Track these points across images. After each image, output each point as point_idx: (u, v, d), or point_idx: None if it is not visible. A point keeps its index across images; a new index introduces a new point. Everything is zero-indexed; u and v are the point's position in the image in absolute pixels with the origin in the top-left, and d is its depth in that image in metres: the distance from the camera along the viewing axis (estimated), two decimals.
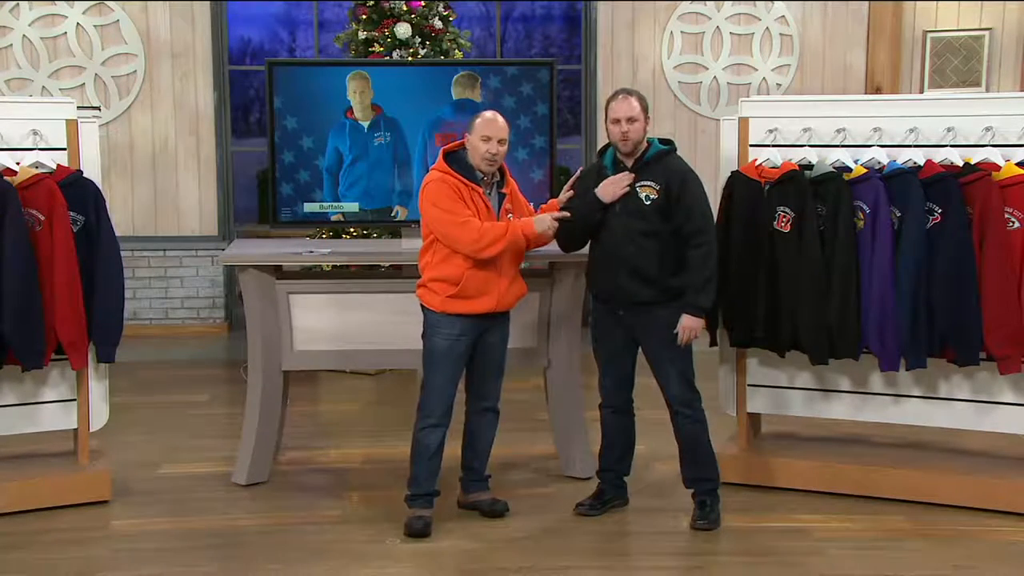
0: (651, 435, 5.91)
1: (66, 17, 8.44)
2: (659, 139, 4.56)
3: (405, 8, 7.51)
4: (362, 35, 7.58)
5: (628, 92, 4.50)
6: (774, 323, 4.85)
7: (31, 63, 8.43)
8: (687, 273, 4.42)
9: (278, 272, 5.12)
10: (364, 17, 7.63)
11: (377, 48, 7.45)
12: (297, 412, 5.53)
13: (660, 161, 4.48)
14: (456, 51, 7.70)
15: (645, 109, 4.47)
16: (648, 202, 4.42)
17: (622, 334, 4.63)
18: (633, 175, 4.46)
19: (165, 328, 8.67)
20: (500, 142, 4.40)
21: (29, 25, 8.40)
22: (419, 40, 7.51)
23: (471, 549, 4.39)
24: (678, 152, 4.60)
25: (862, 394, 4.98)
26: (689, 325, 4.44)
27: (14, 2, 8.36)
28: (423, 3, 7.55)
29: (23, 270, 4.51)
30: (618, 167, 4.52)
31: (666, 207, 4.42)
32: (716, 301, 4.58)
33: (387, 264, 6.19)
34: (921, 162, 4.69)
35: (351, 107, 5.41)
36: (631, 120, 4.42)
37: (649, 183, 4.43)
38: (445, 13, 7.72)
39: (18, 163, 4.62)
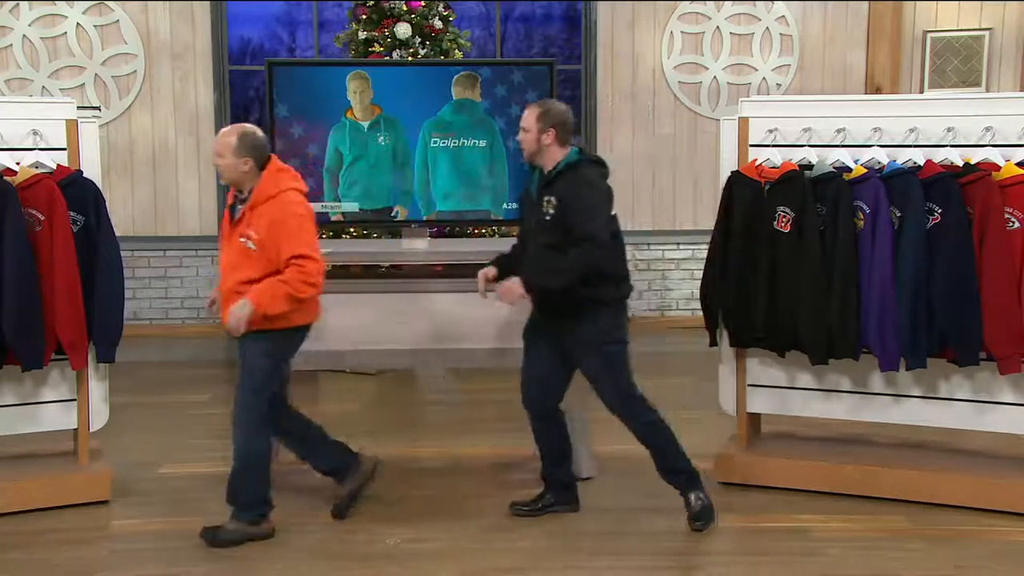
0: None
1: (66, 17, 8.45)
2: (579, 151, 4.48)
3: (405, 8, 7.51)
4: (362, 35, 7.58)
5: (538, 103, 4.51)
6: (774, 323, 4.85)
7: (31, 63, 8.43)
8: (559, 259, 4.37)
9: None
10: (364, 17, 7.64)
11: (377, 48, 7.45)
12: None
13: (564, 174, 4.42)
14: (456, 51, 7.71)
15: (542, 120, 4.39)
16: (548, 217, 4.40)
17: (546, 343, 4.60)
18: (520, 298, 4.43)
19: (165, 328, 8.67)
20: (218, 155, 4.35)
21: (29, 25, 8.40)
22: (419, 40, 7.52)
23: (470, 550, 4.39)
24: (599, 162, 4.52)
25: (862, 394, 4.97)
26: (509, 288, 4.40)
27: (14, 2, 8.36)
28: (423, 3, 7.56)
29: (23, 270, 4.51)
30: (538, 180, 4.49)
31: (563, 220, 4.36)
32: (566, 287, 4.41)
33: (387, 264, 6.19)
34: (921, 162, 4.69)
35: (351, 107, 5.41)
36: (524, 130, 4.44)
37: (550, 197, 4.40)
38: (445, 13, 7.72)
39: (18, 163, 4.63)
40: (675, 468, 4.63)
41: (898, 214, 4.66)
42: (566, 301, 4.42)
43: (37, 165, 4.65)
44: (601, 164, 4.54)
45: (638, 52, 8.89)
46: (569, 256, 4.32)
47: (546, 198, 4.40)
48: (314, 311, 4.48)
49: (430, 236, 5.74)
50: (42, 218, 4.59)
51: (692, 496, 4.59)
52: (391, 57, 7.41)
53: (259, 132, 4.38)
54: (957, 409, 4.85)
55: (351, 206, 5.45)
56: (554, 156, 4.43)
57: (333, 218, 5.51)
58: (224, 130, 4.38)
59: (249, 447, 4.43)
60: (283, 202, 4.26)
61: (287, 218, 4.23)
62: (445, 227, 6.64)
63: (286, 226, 4.22)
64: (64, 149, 4.76)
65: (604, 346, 4.49)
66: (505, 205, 5.50)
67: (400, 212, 5.50)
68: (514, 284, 4.39)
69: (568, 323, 4.47)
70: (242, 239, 4.27)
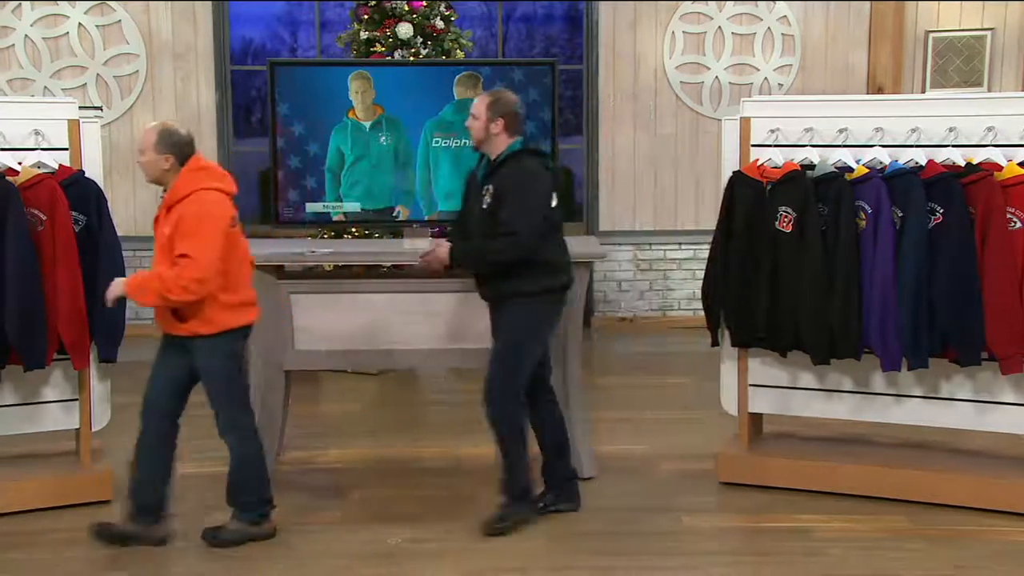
0: (652, 435, 5.92)
1: (68, 17, 8.45)
2: (522, 143, 4.50)
3: (407, 8, 7.51)
4: (364, 35, 7.58)
5: (489, 92, 4.54)
6: (776, 323, 4.85)
7: (33, 63, 8.44)
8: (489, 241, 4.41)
9: (280, 272, 5.12)
10: (366, 17, 7.64)
11: (379, 48, 7.45)
12: (298, 412, 5.53)
13: (505, 164, 4.46)
14: (458, 51, 7.71)
15: (491, 109, 4.43)
16: (485, 206, 4.45)
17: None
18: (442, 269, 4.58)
19: None
20: (139, 152, 4.31)
21: (31, 25, 8.41)
22: (421, 40, 7.51)
23: (471, 550, 4.39)
24: (541, 153, 4.55)
25: (864, 394, 4.97)
26: (435, 253, 4.50)
27: (16, 2, 8.36)
28: (425, 3, 7.56)
29: (25, 270, 4.51)
30: (485, 167, 4.53)
31: (496, 211, 4.40)
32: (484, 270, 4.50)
33: (389, 264, 6.19)
34: (923, 162, 4.69)
35: (353, 107, 5.41)
36: (473, 117, 4.47)
37: (489, 186, 4.44)
38: (447, 13, 7.72)
39: (20, 163, 4.63)
40: (519, 476, 4.58)
41: (900, 214, 4.66)
42: (492, 291, 4.49)
43: (39, 165, 4.65)
44: (542, 155, 4.55)
45: (640, 52, 8.88)
46: (490, 245, 4.38)
47: (486, 187, 4.45)
48: (246, 313, 4.36)
49: (431, 236, 5.73)
50: (44, 218, 4.59)
51: (504, 510, 4.57)
52: (393, 57, 7.41)
53: (182, 130, 4.29)
54: (958, 409, 4.84)
55: (353, 206, 5.45)
56: (500, 145, 4.46)
57: (335, 218, 5.51)
58: (147, 126, 4.33)
59: (242, 448, 4.42)
60: (193, 201, 4.16)
61: (188, 216, 4.13)
62: (446, 227, 6.63)
63: (184, 224, 4.13)
64: (66, 149, 4.76)
65: (524, 329, 4.49)
66: None
67: (402, 212, 5.50)
68: (441, 250, 4.48)
69: (498, 309, 4.54)
70: (161, 234, 4.22)
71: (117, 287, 4.25)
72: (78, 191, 4.70)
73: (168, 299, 4.14)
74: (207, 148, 8.65)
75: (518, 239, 4.34)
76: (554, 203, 4.49)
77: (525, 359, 4.52)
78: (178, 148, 4.24)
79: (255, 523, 4.46)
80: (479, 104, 4.48)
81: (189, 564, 4.28)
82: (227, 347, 4.32)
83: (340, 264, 6.10)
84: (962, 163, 4.65)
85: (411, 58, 7.40)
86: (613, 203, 8.98)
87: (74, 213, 4.66)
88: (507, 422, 4.53)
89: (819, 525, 4.61)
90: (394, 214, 5.51)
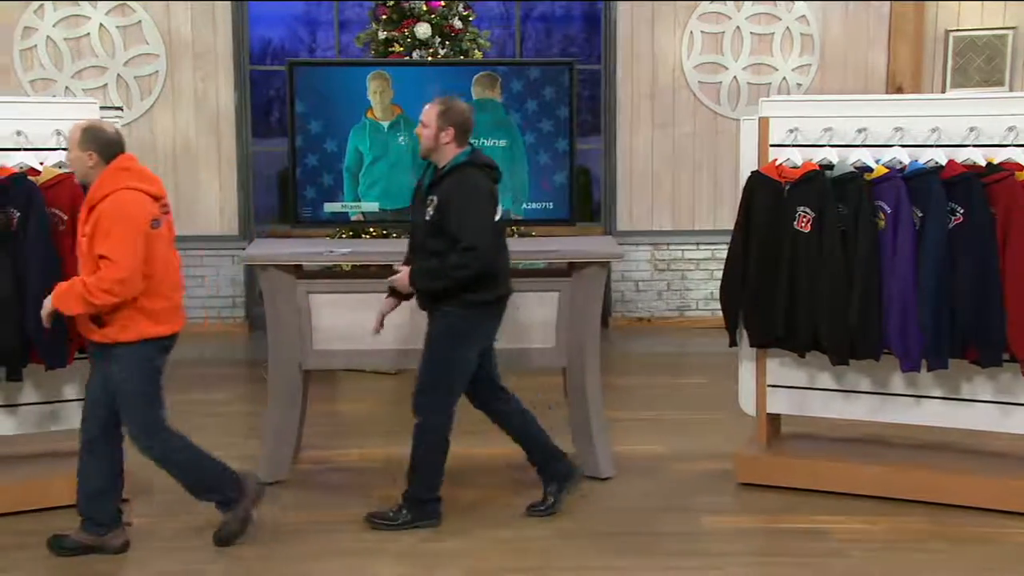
0: (670, 435, 5.91)
1: (89, 18, 8.50)
2: (470, 153, 4.46)
3: (425, 8, 7.52)
4: (382, 35, 7.60)
5: (440, 100, 4.48)
6: (794, 323, 4.83)
7: (55, 64, 8.49)
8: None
9: (298, 272, 5.14)
10: (384, 17, 7.65)
11: (397, 48, 7.47)
12: (317, 411, 5.54)
13: (449, 176, 4.42)
14: (476, 51, 7.72)
15: (442, 118, 4.39)
16: (428, 217, 4.42)
17: None
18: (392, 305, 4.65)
19: (186, 327, 8.69)
20: (68, 149, 4.24)
21: (53, 26, 8.46)
22: (439, 40, 7.52)
23: (483, 549, 4.39)
24: (487, 166, 4.49)
25: (883, 395, 4.95)
26: (398, 281, 4.50)
27: (39, 2, 8.42)
28: (443, 3, 7.57)
29: (47, 269, 4.53)
30: (431, 177, 4.50)
31: (439, 223, 4.38)
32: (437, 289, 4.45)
33: None
34: (943, 162, 4.66)
35: (371, 107, 5.43)
36: (423, 125, 4.43)
37: (433, 197, 4.42)
38: (465, 13, 7.73)
39: (42, 163, 4.66)
40: (408, 484, 4.60)
41: (919, 214, 4.64)
42: (432, 302, 4.48)
43: (60, 165, 4.68)
44: (489, 167, 4.51)
45: (658, 52, 8.87)
46: (450, 261, 4.34)
47: (430, 197, 4.43)
48: (169, 322, 4.26)
49: None
50: (65, 217, 4.61)
51: (398, 512, 4.58)
52: (411, 57, 7.43)
53: (109, 127, 4.20)
54: (979, 410, 4.81)
55: (371, 206, 5.46)
56: (449, 155, 4.43)
57: (353, 218, 5.53)
58: (76, 123, 4.24)
59: (175, 468, 4.34)
60: (110, 200, 4.05)
61: (104, 217, 4.03)
62: None
63: (101, 226, 4.03)
64: None
65: (451, 339, 4.49)
66: (525, 205, 5.50)
67: None
68: (402, 276, 4.48)
69: (433, 318, 4.53)
70: (83, 238, 4.14)
71: (47, 302, 4.14)
72: None
73: (93, 303, 4.02)
74: (226, 148, 8.70)
75: (478, 253, 4.32)
76: (499, 215, 4.50)
77: (456, 372, 4.52)
78: (101, 146, 4.13)
79: (96, 535, 4.33)
80: (429, 112, 4.43)
81: (206, 562, 4.30)
82: (145, 359, 4.19)
83: (358, 264, 6.11)
84: (983, 163, 4.62)
85: (429, 58, 7.41)
86: (631, 203, 8.97)
87: None
88: (432, 432, 4.56)
89: (838, 526, 4.60)
90: None
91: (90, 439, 4.31)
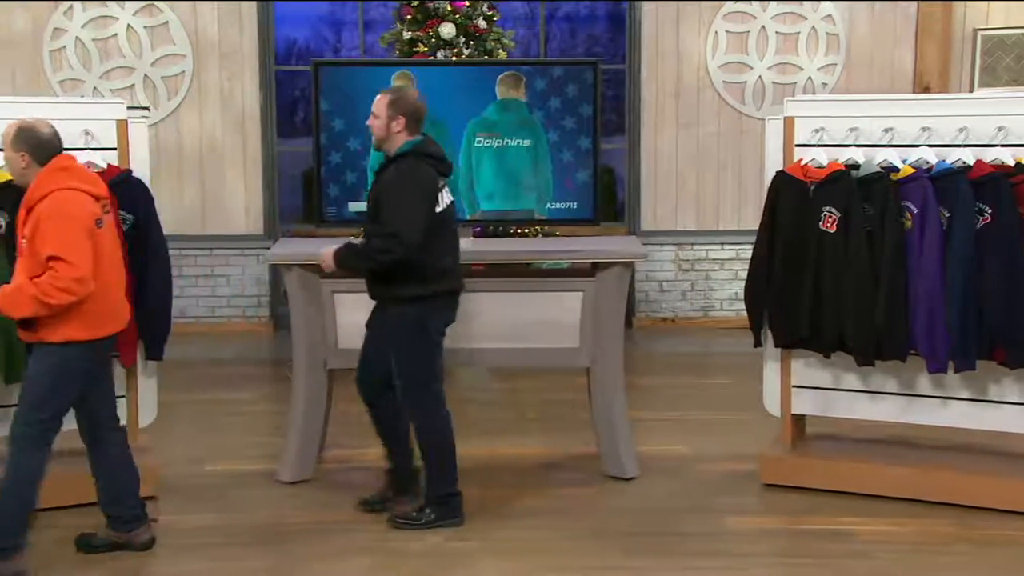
0: (694, 436, 5.90)
1: (117, 19, 8.56)
2: (415, 143, 4.46)
3: (449, 8, 7.53)
4: (407, 35, 7.62)
5: (390, 90, 4.54)
6: (820, 324, 4.81)
7: (83, 64, 8.56)
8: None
9: (323, 271, 5.15)
10: (409, 17, 7.67)
11: (422, 48, 7.48)
12: (341, 410, 5.55)
13: (391, 164, 4.46)
14: (500, 51, 7.72)
15: (392, 107, 4.42)
16: (367, 208, 4.49)
17: (374, 328, 4.68)
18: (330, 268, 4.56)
19: (211, 326, 8.76)
20: (2, 148, 4.17)
21: (82, 27, 8.53)
22: (463, 40, 7.53)
23: (511, 549, 4.40)
24: (430, 155, 4.49)
25: (909, 396, 4.92)
26: (323, 255, 4.51)
27: (68, 3, 8.49)
28: (467, 3, 7.58)
29: None
30: (382, 163, 4.56)
31: (376, 213, 4.42)
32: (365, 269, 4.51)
33: None
34: (971, 162, 4.63)
35: None
36: (374, 116, 4.47)
37: (376, 184, 4.49)
38: (489, 13, 7.74)
39: None
40: (438, 486, 4.60)
41: (947, 214, 4.61)
42: (385, 292, 4.49)
43: (89, 164, 4.72)
44: (435, 157, 4.51)
45: (682, 51, 8.84)
46: (373, 244, 4.39)
47: (375, 184, 4.51)
48: (103, 324, 4.12)
49: (473, 235, 5.74)
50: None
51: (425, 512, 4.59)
52: (435, 57, 7.44)
53: (46, 128, 4.07)
54: (1006, 412, 4.78)
55: None
56: (398, 144, 4.47)
57: None
58: (9, 123, 4.14)
59: (18, 467, 4.07)
60: (51, 201, 3.93)
61: (46, 219, 3.92)
62: (488, 227, 6.65)
63: (42, 226, 3.91)
64: (114, 149, 4.83)
65: (406, 337, 4.49)
66: (549, 205, 5.50)
67: None
68: (326, 252, 4.50)
69: (384, 312, 4.55)
70: (23, 240, 4.02)
71: None
72: (126, 190, 4.75)
73: (48, 304, 3.90)
74: (252, 148, 8.75)
75: (400, 240, 4.32)
76: (442, 206, 4.49)
77: (422, 364, 4.52)
78: (33, 147, 4.02)
79: (126, 531, 4.30)
80: (379, 102, 4.47)
81: (235, 559, 4.32)
82: (63, 359, 4.03)
83: None
84: (1012, 163, 4.59)
85: (454, 58, 7.42)
86: (655, 203, 8.95)
87: (122, 212, 4.72)
88: (432, 433, 4.57)
89: (863, 528, 4.57)
90: None
91: (88, 440, 4.34)
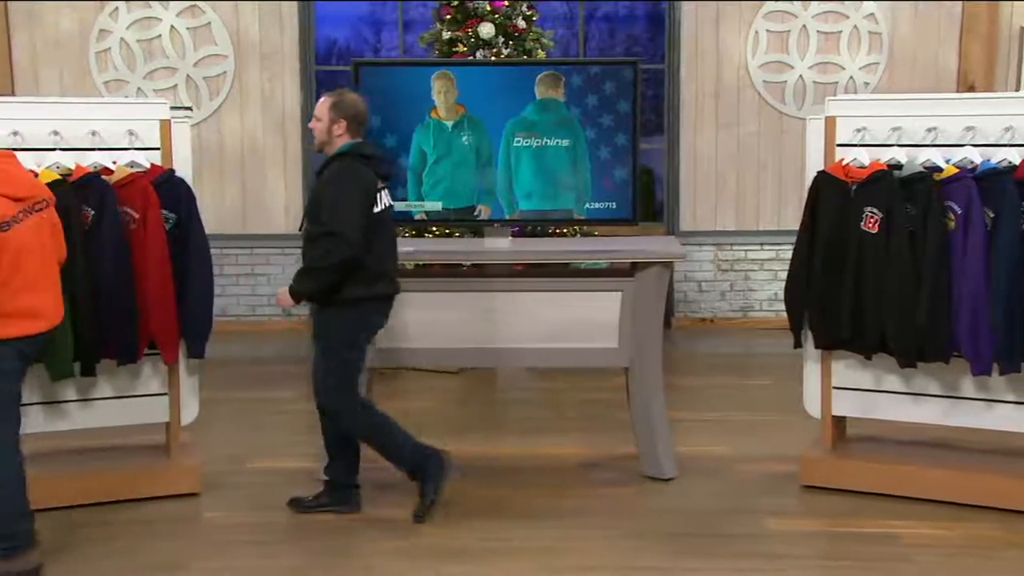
0: (734, 437, 5.87)
1: (160, 20, 8.67)
2: (354, 145, 4.48)
3: (489, 8, 7.55)
4: (446, 35, 7.65)
5: (332, 93, 4.55)
6: (861, 325, 4.77)
7: (127, 65, 8.67)
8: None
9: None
10: (448, 17, 7.70)
11: (461, 48, 7.51)
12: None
13: (328, 165, 4.47)
14: (539, 51, 7.73)
15: (333, 110, 4.45)
16: (307, 205, 4.50)
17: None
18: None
19: (252, 325, 8.84)
20: None
21: (126, 28, 8.65)
22: (502, 40, 7.55)
23: (549, 548, 4.40)
24: (367, 156, 4.50)
25: (952, 398, 4.86)
26: (280, 296, 4.52)
27: (115, 3, 8.60)
28: (507, 3, 7.59)
29: (120, 267, 4.63)
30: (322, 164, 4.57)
31: (315, 214, 4.42)
32: (314, 293, 4.48)
33: (469, 263, 6.22)
34: (1017, 162, 4.57)
35: (435, 106, 5.46)
36: (316, 119, 4.49)
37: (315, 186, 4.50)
38: (528, 13, 7.75)
39: (114, 162, 4.76)
40: (404, 465, 4.66)
41: (991, 214, 4.55)
42: (328, 294, 4.49)
43: (132, 164, 4.78)
44: (371, 157, 4.51)
45: (722, 51, 8.80)
46: (314, 253, 4.40)
47: (315, 185, 4.52)
48: (16, 324, 3.97)
49: (512, 235, 5.75)
50: (137, 216, 4.71)
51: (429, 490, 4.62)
52: (475, 57, 7.46)
53: None
54: None
55: (434, 205, 5.49)
56: (337, 147, 4.49)
57: (416, 217, 5.56)
58: None
59: None
60: None
61: None
62: (527, 226, 6.65)
63: None
64: (158, 149, 4.88)
65: (339, 338, 4.52)
66: (587, 205, 5.50)
67: (483, 211, 5.52)
68: (282, 291, 4.52)
69: (321, 313, 4.55)
70: None
71: None
72: (169, 190, 4.81)
73: None
74: (292, 148, 8.81)
75: (339, 240, 4.33)
76: (380, 207, 4.49)
77: (346, 364, 4.55)
78: None
79: (5, 558, 3.99)
80: (321, 106, 4.49)
81: (277, 557, 4.36)
82: None
83: (421, 263, 6.15)
84: None
85: (493, 58, 7.44)
86: (694, 203, 8.91)
87: (165, 211, 4.77)
88: (362, 424, 4.61)
89: (906, 531, 4.52)
90: (475, 213, 5.54)
91: None
